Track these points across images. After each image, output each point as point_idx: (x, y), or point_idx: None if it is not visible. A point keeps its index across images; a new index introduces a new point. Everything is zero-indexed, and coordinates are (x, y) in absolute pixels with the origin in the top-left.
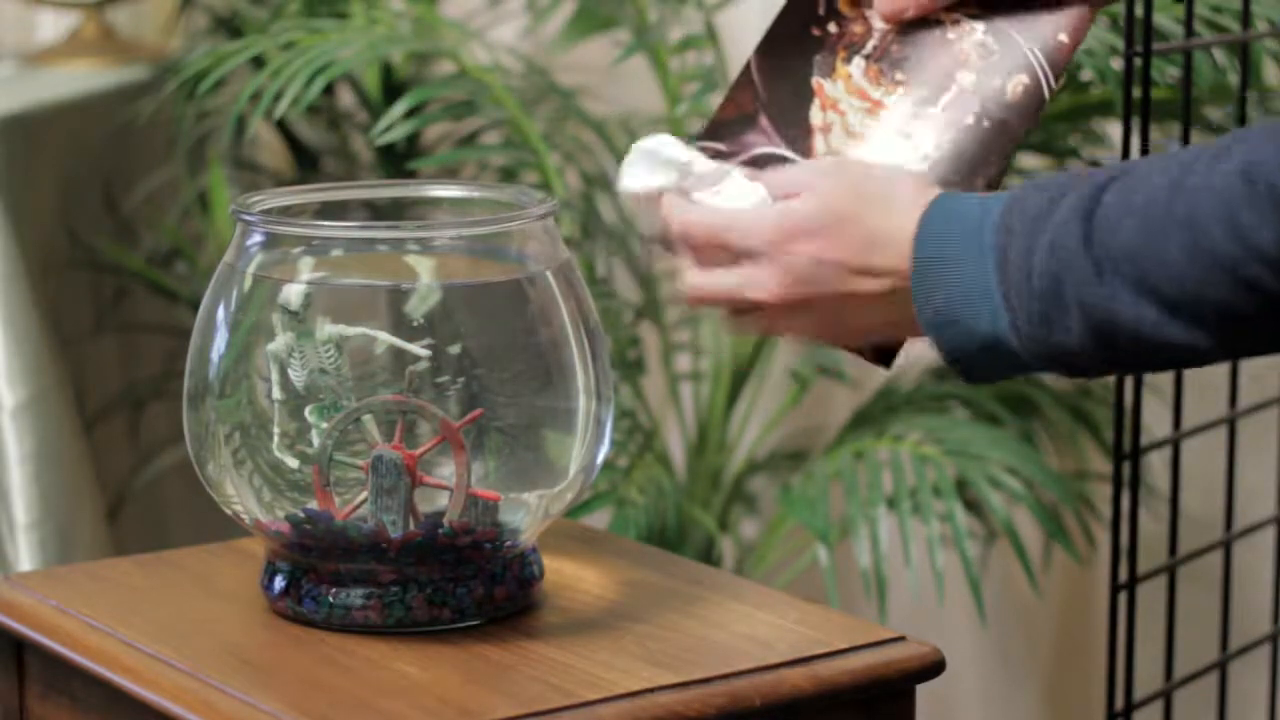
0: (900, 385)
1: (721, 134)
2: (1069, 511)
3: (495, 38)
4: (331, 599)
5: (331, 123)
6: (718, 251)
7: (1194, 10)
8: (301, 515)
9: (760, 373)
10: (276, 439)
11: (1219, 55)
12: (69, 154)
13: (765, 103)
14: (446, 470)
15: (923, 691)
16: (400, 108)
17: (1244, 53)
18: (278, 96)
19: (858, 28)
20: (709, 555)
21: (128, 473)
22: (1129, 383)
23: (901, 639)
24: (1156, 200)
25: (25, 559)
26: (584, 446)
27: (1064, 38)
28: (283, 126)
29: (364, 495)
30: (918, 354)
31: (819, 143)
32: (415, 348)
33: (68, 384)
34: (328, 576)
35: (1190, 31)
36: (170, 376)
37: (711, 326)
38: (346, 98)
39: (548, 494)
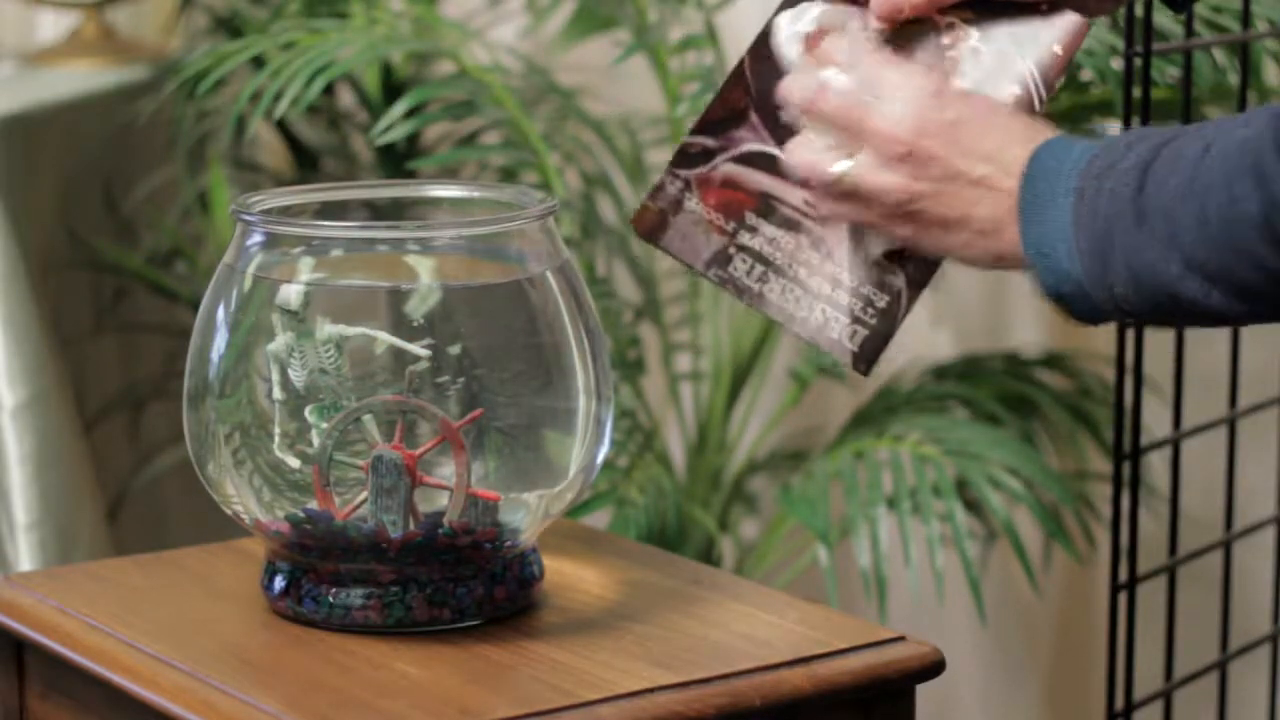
0: (900, 385)
1: (712, 130)
2: (1069, 511)
3: (495, 38)
4: (331, 599)
5: (331, 123)
6: (837, 125)
7: (1194, 10)
8: (301, 515)
9: (760, 373)
10: (277, 439)
11: (1219, 55)
12: (69, 154)
13: (756, 100)
14: (446, 470)
15: (923, 691)
16: (400, 108)
17: (1244, 53)
18: (278, 96)
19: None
20: (709, 555)
21: (128, 473)
22: (1129, 383)
23: (901, 639)
24: (1193, 161)
25: (25, 559)
26: (584, 446)
27: (1058, 49)
28: (283, 126)
29: (364, 495)
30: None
31: None
32: (415, 348)
33: (68, 384)
34: (328, 576)
35: (1190, 31)
36: (170, 376)
37: (712, 326)
38: (346, 98)
39: (548, 494)
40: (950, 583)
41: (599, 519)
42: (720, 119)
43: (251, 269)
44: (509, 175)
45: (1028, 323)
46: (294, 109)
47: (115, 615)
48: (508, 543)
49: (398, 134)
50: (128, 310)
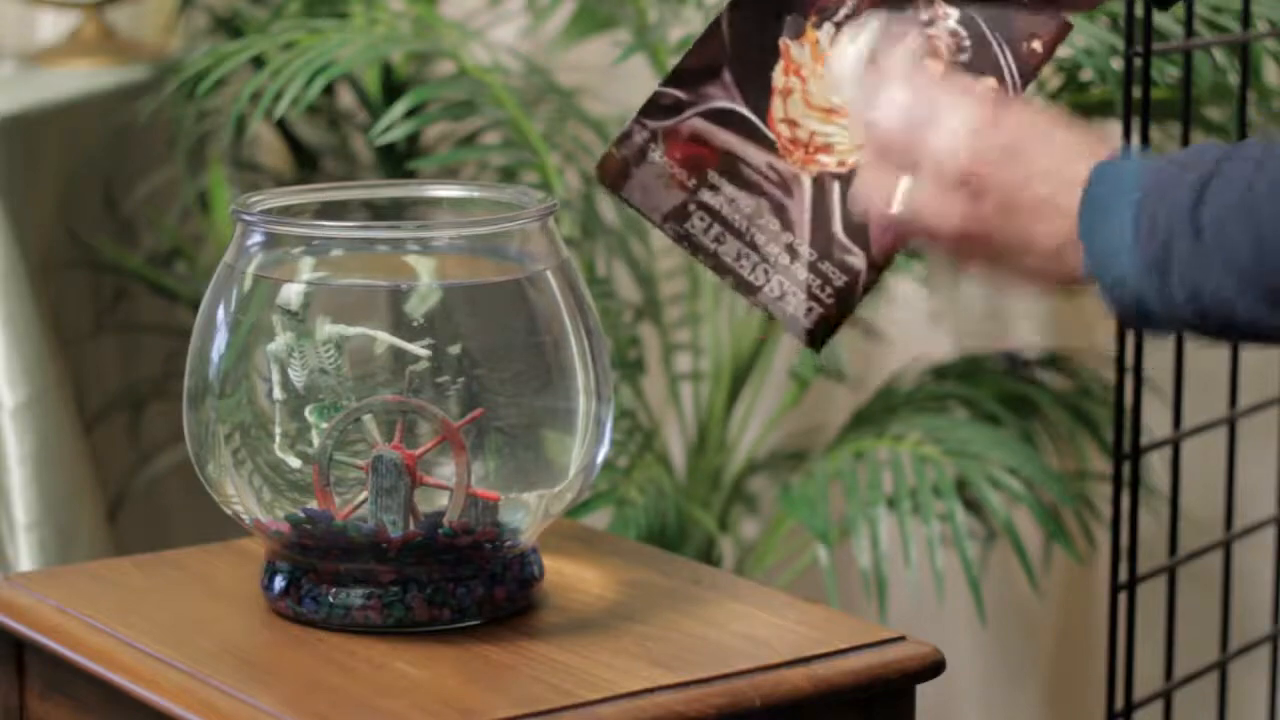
0: (900, 385)
1: (683, 82)
2: (1069, 511)
3: (495, 38)
4: (331, 599)
5: (331, 123)
6: (897, 151)
7: (1194, 10)
8: (301, 515)
9: (760, 373)
10: (277, 439)
11: (1219, 55)
12: (69, 154)
13: (730, 57)
14: (446, 470)
15: (923, 691)
16: (400, 108)
17: (1244, 53)
18: (278, 96)
19: None
20: (709, 555)
21: (128, 473)
22: (1129, 383)
23: (901, 639)
24: (1244, 176)
25: (25, 559)
26: (584, 446)
27: (1038, 46)
28: (283, 126)
29: (364, 495)
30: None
31: (777, 106)
32: (415, 348)
33: (68, 384)
34: (328, 576)
35: (1190, 31)
36: (170, 376)
37: (711, 326)
38: (346, 98)
39: (548, 494)
40: (950, 583)
41: (599, 519)
42: (693, 71)
43: (251, 269)
44: (509, 175)
45: (1028, 323)
46: (294, 109)
47: (115, 615)
48: (508, 543)
49: (398, 134)
50: (128, 310)
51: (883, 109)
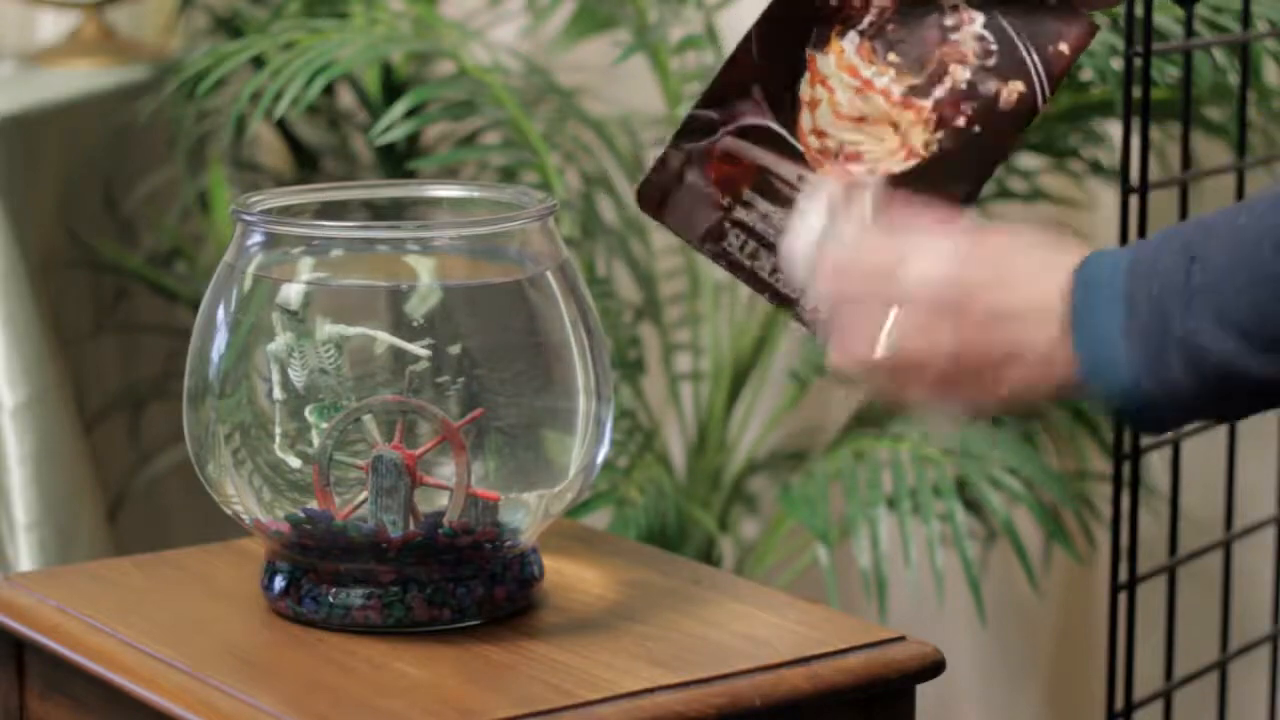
0: None
1: (715, 103)
2: (1069, 511)
3: (495, 38)
4: (331, 599)
5: (331, 123)
6: (870, 300)
7: (1194, 10)
8: (301, 515)
9: (760, 373)
10: (277, 439)
11: (1219, 55)
12: (69, 154)
13: (760, 73)
14: (446, 470)
15: (923, 691)
16: (400, 108)
17: (1244, 53)
18: (278, 96)
19: (856, 1)
20: (709, 555)
21: (128, 473)
22: None
23: (901, 639)
24: (1241, 229)
25: (25, 559)
26: (584, 446)
27: (1064, 48)
28: (283, 126)
29: (364, 495)
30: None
31: (806, 118)
32: (415, 348)
33: (68, 384)
34: (328, 576)
35: (1190, 31)
36: (170, 376)
37: (711, 326)
38: (346, 98)
39: (548, 494)
40: (950, 583)
41: (599, 519)
42: (725, 90)
43: (251, 269)
44: (509, 175)
45: None
46: (294, 109)
47: (115, 615)
48: (508, 543)
49: (398, 134)
50: (128, 310)
51: (853, 257)
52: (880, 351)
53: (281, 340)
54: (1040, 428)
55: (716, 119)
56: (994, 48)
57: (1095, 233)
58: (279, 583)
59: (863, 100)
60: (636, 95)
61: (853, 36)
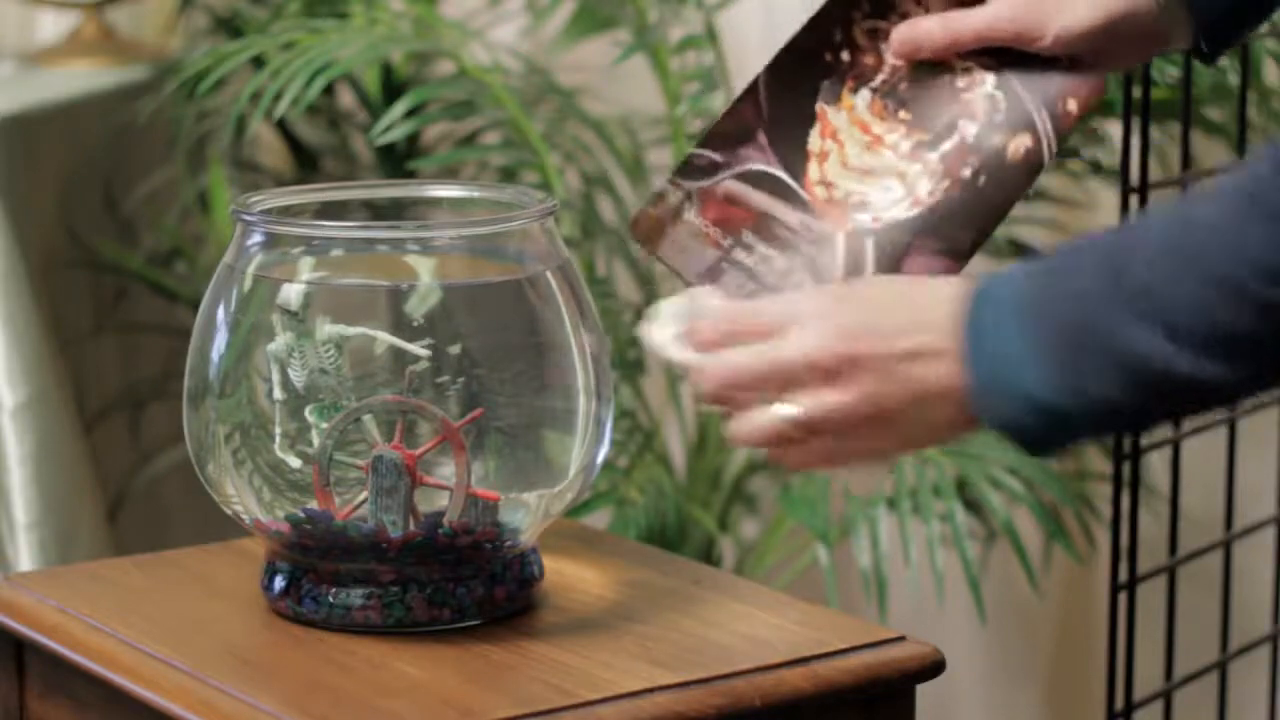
0: None
1: (719, 144)
2: (1069, 511)
3: (495, 38)
4: (331, 599)
5: (331, 123)
6: (760, 386)
7: None
8: (301, 515)
9: None
10: (277, 439)
11: None
12: (69, 154)
13: (766, 120)
14: (446, 470)
15: (923, 691)
16: (400, 108)
17: (1244, 53)
18: (278, 96)
19: (870, 60)
20: (709, 555)
21: (128, 473)
22: None
23: (901, 639)
24: (1168, 234)
25: (25, 559)
26: (584, 446)
27: (1073, 106)
28: (283, 126)
29: (364, 495)
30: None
31: (813, 169)
32: (415, 348)
33: (68, 384)
34: (328, 576)
35: None
36: (170, 376)
37: None
38: (346, 98)
39: (548, 494)
40: (950, 583)
41: (599, 519)
42: (728, 134)
43: (251, 269)
44: (509, 175)
45: None
46: (294, 109)
47: (115, 615)
48: (508, 543)
49: (398, 134)
50: (128, 310)
51: (729, 363)
52: (780, 418)
53: (281, 340)
54: None
55: (720, 161)
56: (1003, 105)
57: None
58: (279, 583)
59: (872, 155)
60: (636, 95)
61: (865, 93)
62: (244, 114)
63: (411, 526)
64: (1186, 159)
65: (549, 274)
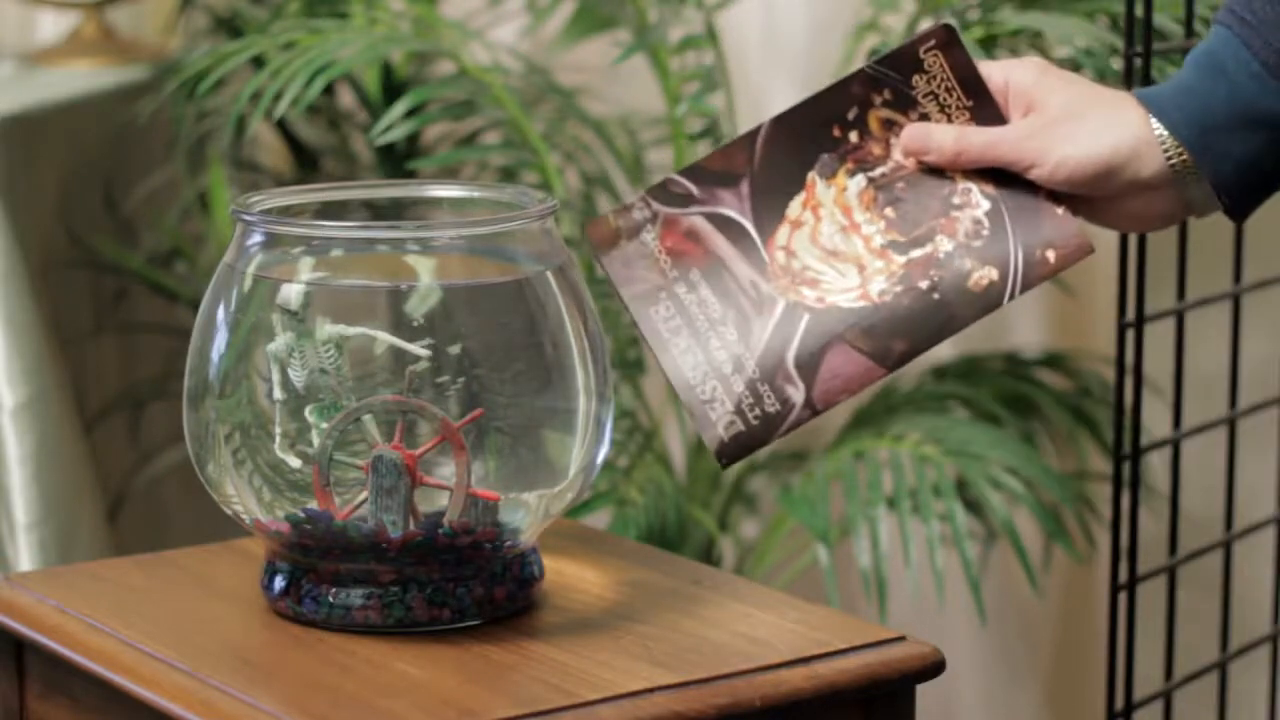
0: (900, 385)
1: (699, 178)
2: (1069, 511)
3: (495, 38)
4: (331, 599)
5: (331, 123)
6: None
7: (1194, 10)
8: (301, 515)
9: None
10: (277, 439)
11: None
12: (69, 154)
13: (755, 171)
14: (446, 470)
15: (923, 691)
16: (400, 108)
17: None
18: (278, 96)
19: (877, 149)
20: (709, 555)
21: (128, 473)
22: (1129, 383)
23: (901, 639)
24: None
25: (25, 559)
26: (584, 446)
27: (1051, 256)
28: (283, 126)
29: (364, 495)
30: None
31: (782, 234)
32: (415, 348)
33: (68, 384)
34: (328, 576)
35: (1190, 32)
36: (170, 376)
37: None
38: (346, 98)
39: (548, 494)
40: (950, 583)
41: (599, 519)
42: (713, 172)
43: (251, 269)
44: (509, 175)
45: (1028, 323)
46: (294, 109)
47: (115, 615)
48: (508, 543)
49: (398, 134)
50: (128, 310)
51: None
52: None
53: (281, 340)
54: (1040, 428)
55: (695, 195)
56: (986, 233)
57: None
58: (279, 583)
59: (843, 239)
60: (636, 95)
61: (860, 179)
62: (244, 114)
63: (411, 526)
64: None
65: (549, 274)
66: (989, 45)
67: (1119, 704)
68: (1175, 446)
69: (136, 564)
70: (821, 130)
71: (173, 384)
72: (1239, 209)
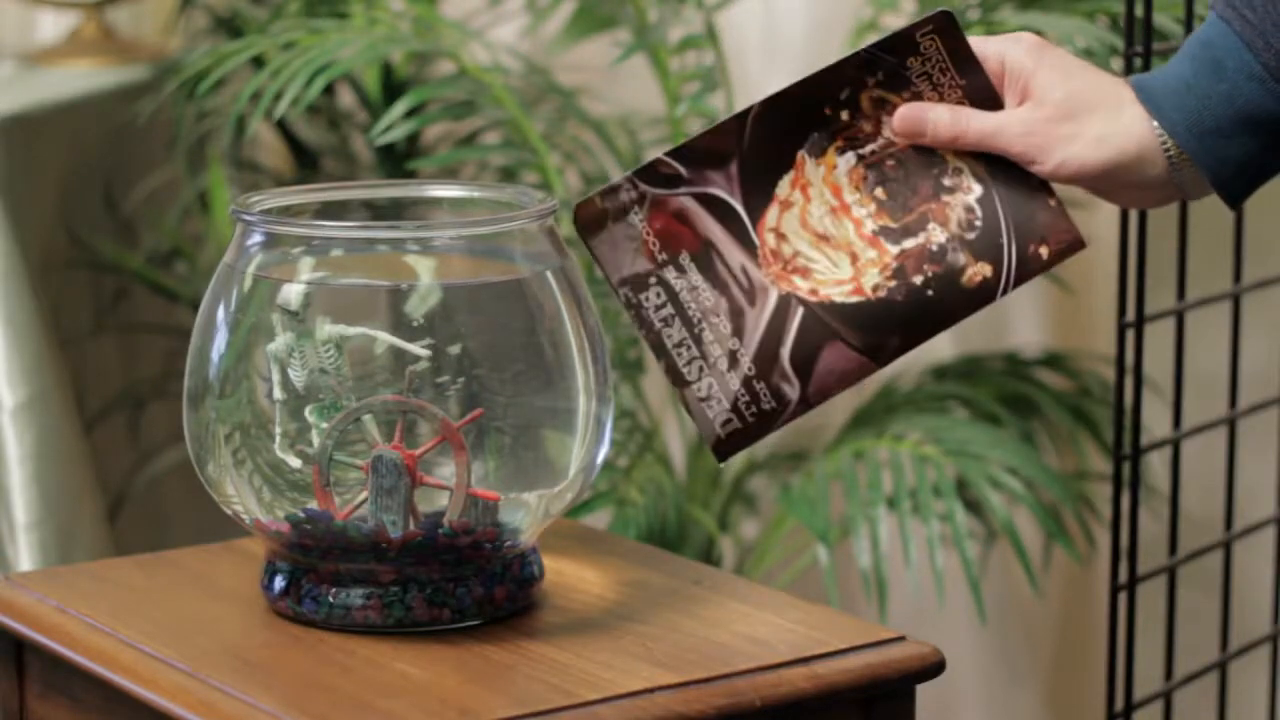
0: (900, 385)
1: (688, 159)
2: (1069, 511)
3: (495, 38)
4: (331, 599)
5: (331, 123)
6: None
7: (1194, 10)
8: (301, 515)
9: None
10: (277, 439)
11: None
12: (69, 154)
13: (744, 151)
14: (446, 470)
15: (923, 691)
16: (400, 108)
17: None
18: (278, 96)
19: (867, 126)
20: (709, 555)
21: (128, 473)
22: (1129, 383)
23: (901, 639)
24: None
25: (25, 559)
26: (584, 446)
27: (1044, 251)
28: (283, 126)
29: (364, 495)
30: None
31: (772, 214)
32: (415, 348)
33: (68, 384)
34: (328, 576)
35: (1190, 31)
36: (170, 376)
37: None
38: (346, 98)
39: (548, 494)
40: (950, 583)
41: (599, 519)
42: (702, 152)
43: (251, 269)
44: (509, 175)
45: (1028, 323)
46: (294, 109)
47: (115, 615)
48: (508, 543)
49: (398, 134)
50: (128, 310)
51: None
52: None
53: (281, 340)
54: (1040, 428)
55: (684, 175)
56: (979, 222)
57: (1095, 233)
58: (279, 583)
59: (833, 221)
60: (636, 95)
61: (850, 157)
62: (244, 114)
63: (411, 526)
64: None
65: (549, 274)
66: None
67: (1119, 704)
68: (1175, 446)
69: (137, 564)
70: (813, 110)
71: (173, 384)
72: (1236, 200)
